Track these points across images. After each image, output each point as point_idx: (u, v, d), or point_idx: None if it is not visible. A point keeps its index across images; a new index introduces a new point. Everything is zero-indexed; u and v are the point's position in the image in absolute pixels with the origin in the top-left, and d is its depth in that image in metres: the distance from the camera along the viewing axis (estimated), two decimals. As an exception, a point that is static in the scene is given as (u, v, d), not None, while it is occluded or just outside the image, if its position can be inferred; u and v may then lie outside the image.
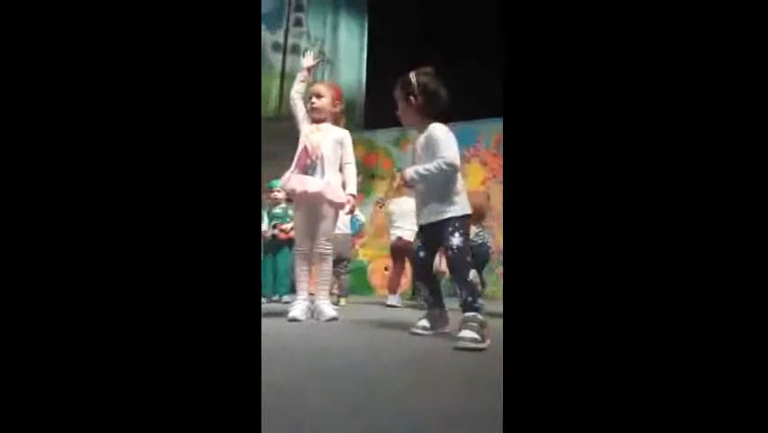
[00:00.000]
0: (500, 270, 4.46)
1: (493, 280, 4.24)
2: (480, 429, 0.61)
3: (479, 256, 2.55)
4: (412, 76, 1.63)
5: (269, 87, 5.77)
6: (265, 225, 3.69)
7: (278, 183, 2.98)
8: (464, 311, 1.45)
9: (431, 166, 1.54)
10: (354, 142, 2.28)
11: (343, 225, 3.28)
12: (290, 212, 3.38)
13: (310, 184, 2.07)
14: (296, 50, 5.78)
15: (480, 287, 1.51)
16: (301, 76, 2.26)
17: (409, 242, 3.07)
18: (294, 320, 1.98)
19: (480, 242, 2.77)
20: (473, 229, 2.60)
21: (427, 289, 1.71)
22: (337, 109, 2.23)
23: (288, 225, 3.55)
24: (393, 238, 3.49)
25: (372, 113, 5.79)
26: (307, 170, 2.10)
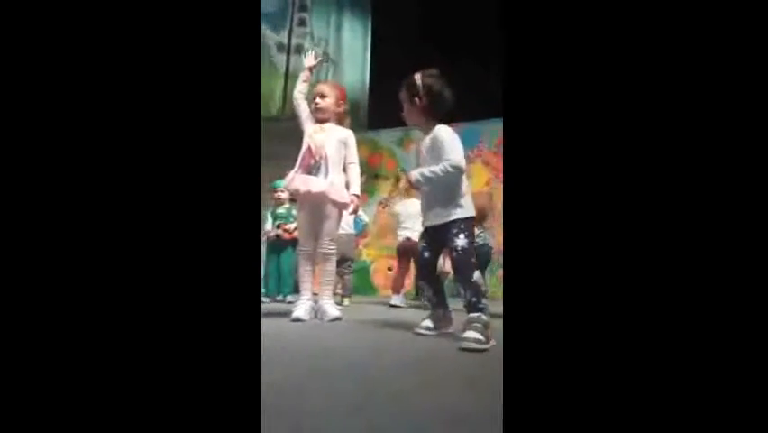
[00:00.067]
0: (500, 273, 4.44)
1: (493, 283, 4.23)
2: (482, 430, 0.61)
3: (480, 257, 2.54)
4: (417, 77, 1.62)
5: (273, 87, 5.78)
6: (269, 226, 3.69)
7: (281, 183, 2.98)
8: (469, 312, 1.44)
9: (437, 168, 1.53)
10: (358, 143, 2.28)
11: (347, 225, 3.29)
12: (294, 212, 3.39)
13: (314, 184, 2.07)
14: (299, 50, 5.77)
15: (484, 288, 1.51)
16: (303, 76, 2.26)
17: (417, 243, 3.06)
18: (297, 320, 1.98)
19: (481, 243, 2.76)
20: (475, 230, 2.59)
21: (431, 289, 1.70)
22: (341, 109, 2.23)
23: (291, 226, 3.56)
24: (401, 239, 3.49)
25: (376, 113, 5.80)
26: (311, 170, 2.10)
